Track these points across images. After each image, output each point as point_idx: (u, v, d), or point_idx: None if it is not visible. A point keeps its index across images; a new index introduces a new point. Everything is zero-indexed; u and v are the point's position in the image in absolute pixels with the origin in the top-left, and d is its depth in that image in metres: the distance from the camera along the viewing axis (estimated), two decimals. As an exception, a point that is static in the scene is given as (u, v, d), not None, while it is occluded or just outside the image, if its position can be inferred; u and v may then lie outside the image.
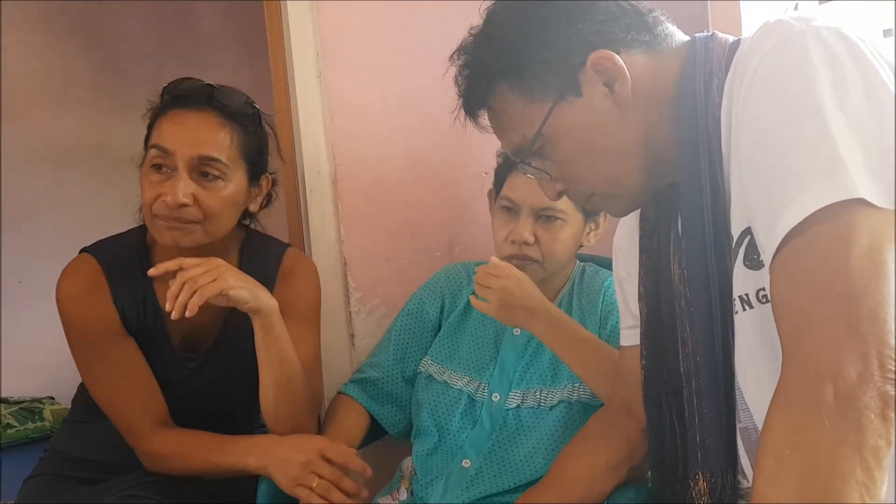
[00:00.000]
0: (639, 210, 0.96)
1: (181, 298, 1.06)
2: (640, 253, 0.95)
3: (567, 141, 0.84)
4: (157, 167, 1.15)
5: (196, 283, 1.07)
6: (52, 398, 2.76)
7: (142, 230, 1.27)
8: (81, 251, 1.26)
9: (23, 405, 2.67)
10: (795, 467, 0.61)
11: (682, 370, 0.87)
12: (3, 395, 2.75)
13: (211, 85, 1.20)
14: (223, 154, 1.16)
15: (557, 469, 1.08)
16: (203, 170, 1.15)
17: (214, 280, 1.09)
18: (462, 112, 0.91)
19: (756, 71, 0.72)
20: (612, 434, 1.07)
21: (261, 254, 1.31)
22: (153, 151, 1.15)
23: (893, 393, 0.60)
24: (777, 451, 0.63)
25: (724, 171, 0.78)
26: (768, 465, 0.63)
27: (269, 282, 1.28)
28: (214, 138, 1.16)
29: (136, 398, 1.20)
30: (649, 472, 1.02)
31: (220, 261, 1.13)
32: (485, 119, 0.91)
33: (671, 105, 0.82)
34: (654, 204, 0.93)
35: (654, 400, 0.93)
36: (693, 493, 0.84)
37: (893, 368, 0.60)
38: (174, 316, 1.06)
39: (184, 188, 1.12)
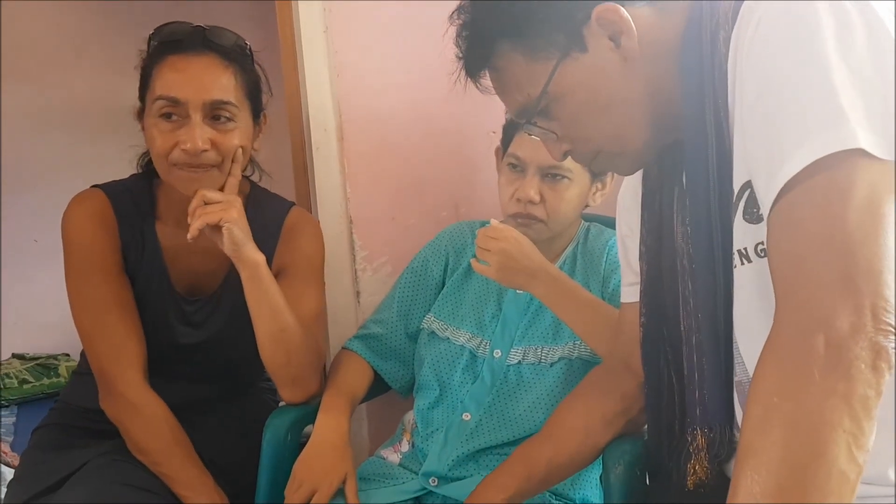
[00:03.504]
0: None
1: (192, 220, 1.14)
2: (643, 210, 0.95)
3: (572, 98, 0.82)
4: (167, 116, 1.14)
5: (204, 210, 1.13)
6: (67, 355, 2.80)
7: (145, 176, 1.29)
8: (91, 187, 1.28)
9: (39, 361, 2.72)
10: (783, 416, 0.61)
11: (682, 328, 0.87)
12: (20, 352, 2.80)
13: (201, 26, 1.19)
14: (232, 96, 1.17)
15: (554, 421, 1.09)
16: (215, 114, 1.16)
17: (220, 210, 1.14)
18: (463, 74, 0.89)
19: (760, 20, 0.70)
20: (610, 388, 1.07)
21: (265, 209, 1.32)
22: (161, 102, 1.14)
23: (885, 344, 0.60)
24: (765, 399, 0.63)
25: (729, 125, 0.77)
26: (756, 413, 0.64)
27: (272, 237, 1.29)
28: (221, 81, 1.16)
29: (115, 337, 1.20)
30: (645, 426, 1.03)
31: (238, 202, 1.17)
32: (487, 80, 0.89)
33: (677, 58, 0.81)
34: (657, 161, 0.92)
35: (652, 357, 0.94)
36: (691, 448, 0.84)
37: (887, 320, 0.60)
38: (189, 238, 1.14)
39: (201, 134, 1.13)
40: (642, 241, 0.95)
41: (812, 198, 0.64)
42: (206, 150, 1.14)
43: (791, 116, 0.66)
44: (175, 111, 1.14)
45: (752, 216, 0.75)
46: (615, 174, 1.35)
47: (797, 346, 0.62)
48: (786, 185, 0.65)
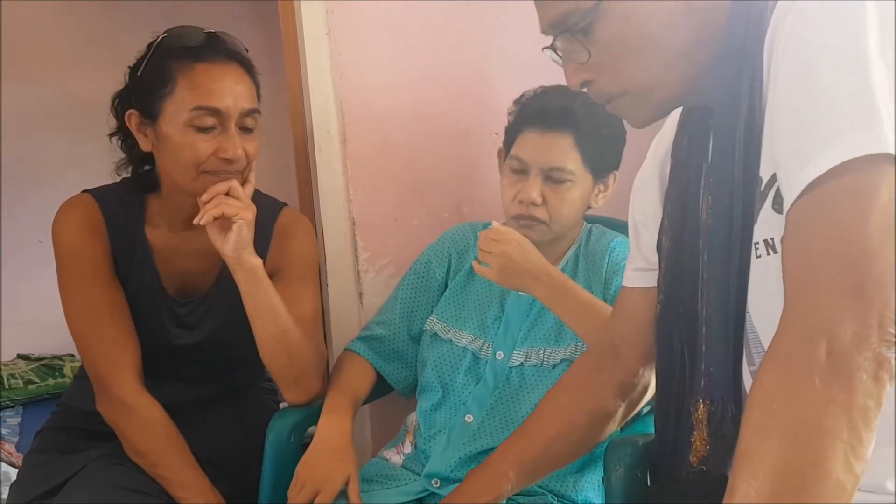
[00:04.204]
0: (669, 146, 0.93)
1: (208, 209, 1.15)
2: (669, 185, 0.92)
3: (624, 24, 0.77)
4: (203, 126, 1.14)
5: (225, 200, 1.15)
6: (73, 355, 2.80)
7: (135, 182, 1.28)
8: (81, 192, 1.29)
9: (44, 362, 2.73)
10: (781, 423, 0.61)
11: (698, 306, 0.85)
12: (25, 352, 2.81)
13: (214, 32, 1.19)
14: (256, 104, 1.20)
15: (539, 419, 1.06)
16: (244, 123, 1.18)
17: (240, 207, 1.15)
18: None
19: (804, 5, 0.68)
20: (595, 384, 1.05)
21: (257, 210, 1.31)
22: (199, 112, 1.13)
23: (888, 355, 0.59)
24: (765, 404, 0.63)
25: (762, 99, 0.73)
26: (755, 418, 0.63)
27: (264, 239, 1.29)
28: (249, 90, 1.19)
29: (108, 341, 1.21)
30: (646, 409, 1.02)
31: (254, 209, 1.19)
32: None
33: (725, 18, 0.77)
34: (688, 135, 0.89)
35: (666, 333, 0.92)
36: (693, 419, 0.83)
37: (892, 330, 0.59)
38: (196, 221, 1.15)
39: (241, 143, 1.16)
40: (666, 216, 0.92)
41: (834, 200, 0.62)
42: (242, 158, 1.17)
43: (824, 110, 0.64)
44: (212, 121, 1.14)
45: (781, 207, 0.72)
46: (617, 177, 1.35)
47: (799, 351, 0.61)
48: (811, 183, 0.63)
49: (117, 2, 2.88)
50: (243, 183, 1.20)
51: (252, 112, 1.18)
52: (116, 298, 1.24)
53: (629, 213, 1.04)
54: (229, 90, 1.15)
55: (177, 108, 1.14)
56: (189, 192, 1.18)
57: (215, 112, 1.14)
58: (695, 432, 0.83)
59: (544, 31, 0.83)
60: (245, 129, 1.19)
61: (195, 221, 1.15)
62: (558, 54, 0.83)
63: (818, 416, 0.59)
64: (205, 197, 1.15)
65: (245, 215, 1.16)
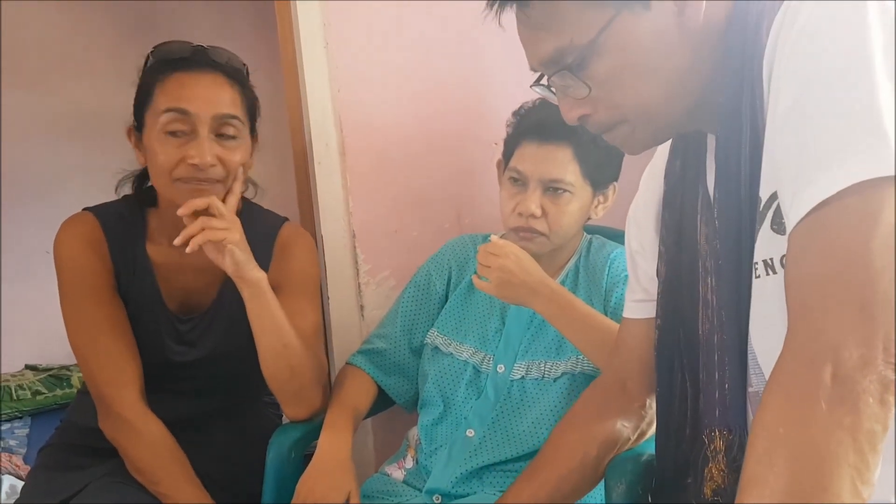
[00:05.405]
0: (662, 173, 0.92)
1: (190, 232, 1.13)
2: (663, 210, 0.91)
3: (619, 56, 0.75)
4: (174, 132, 1.14)
5: (208, 224, 1.13)
6: (80, 366, 2.82)
7: (135, 197, 1.29)
8: (82, 210, 1.29)
9: (51, 372, 2.74)
10: (788, 447, 0.60)
11: (699, 331, 0.84)
12: (33, 363, 2.82)
13: (202, 46, 1.20)
14: (238, 111, 1.19)
15: (549, 456, 1.03)
16: (221, 130, 1.17)
17: (224, 229, 1.14)
18: (493, 12, 0.79)
19: (806, 22, 0.67)
20: (605, 415, 1.02)
21: (257, 226, 1.31)
22: (169, 116, 1.14)
23: (894, 378, 0.58)
24: (771, 429, 0.62)
25: (763, 117, 0.72)
26: (760, 443, 0.62)
27: (264, 253, 1.29)
28: (229, 97, 1.18)
29: (110, 359, 1.21)
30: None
31: (239, 224, 1.18)
32: (512, 20, 0.80)
33: (722, 40, 0.76)
34: (680, 158, 0.88)
35: (666, 360, 0.91)
36: (708, 451, 0.81)
37: None
38: (176, 242, 1.14)
39: (210, 149, 1.15)
40: (662, 242, 0.91)
41: (838, 223, 0.61)
42: (213, 166, 1.15)
43: (828, 131, 0.63)
44: (182, 126, 1.14)
45: (781, 227, 0.71)
46: (616, 188, 1.34)
47: (805, 376, 0.61)
48: (814, 206, 0.62)
49: (118, 2, 2.88)
50: (227, 193, 1.19)
51: (230, 118, 1.17)
52: (118, 316, 1.24)
53: (625, 244, 1.03)
54: (201, 95, 1.15)
55: (153, 117, 1.15)
56: (168, 201, 1.18)
57: (184, 113, 1.14)
58: (710, 464, 0.81)
59: (534, 69, 0.81)
60: (224, 137, 1.17)
61: (175, 242, 1.14)
62: (551, 90, 0.82)
63: (825, 441, 0.58)
64: (181, 211, 1.14)
65: (231, 238, 1.15)
